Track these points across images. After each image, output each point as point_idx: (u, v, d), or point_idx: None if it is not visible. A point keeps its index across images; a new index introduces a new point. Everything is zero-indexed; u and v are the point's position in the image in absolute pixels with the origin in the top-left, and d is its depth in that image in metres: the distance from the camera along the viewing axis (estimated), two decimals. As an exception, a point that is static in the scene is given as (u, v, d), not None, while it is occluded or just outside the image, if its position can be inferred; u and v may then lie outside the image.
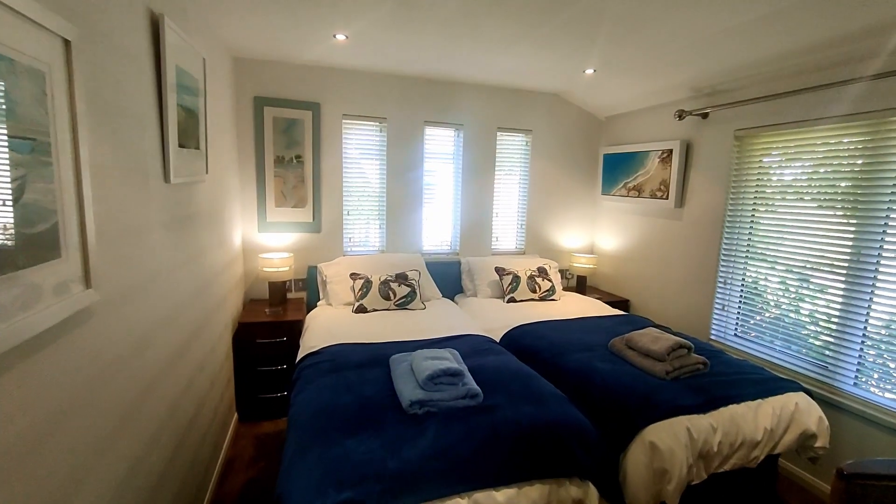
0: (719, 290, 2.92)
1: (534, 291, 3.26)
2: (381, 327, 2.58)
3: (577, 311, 3.06)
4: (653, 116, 3.43)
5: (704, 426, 1.71)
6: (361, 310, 2.86)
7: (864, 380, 2.20)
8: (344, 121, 3.28)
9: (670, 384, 1.90)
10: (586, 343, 2.34)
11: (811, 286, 2.40)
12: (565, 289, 3.86)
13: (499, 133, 3.72)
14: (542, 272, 3.36)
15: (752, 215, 2.71)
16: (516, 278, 3.26)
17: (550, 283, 3.32)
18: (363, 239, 3.52)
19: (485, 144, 3.67)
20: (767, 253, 2.63)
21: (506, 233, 3.92)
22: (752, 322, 2.75)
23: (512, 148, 3.80)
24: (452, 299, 3.56)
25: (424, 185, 3.56)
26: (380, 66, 3.12)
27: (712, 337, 2.97)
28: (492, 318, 2.89)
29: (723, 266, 2.89)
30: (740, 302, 2.82)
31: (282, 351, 2.76)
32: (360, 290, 2.92)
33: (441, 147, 3.60)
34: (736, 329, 2.86)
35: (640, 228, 3.60)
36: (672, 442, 1.63)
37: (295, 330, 2.80)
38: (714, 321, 2.96)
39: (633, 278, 3.67)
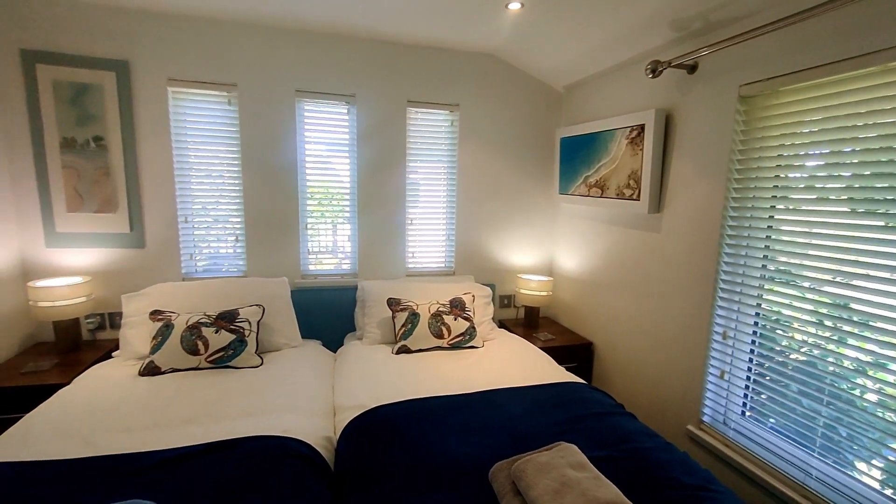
0: (716, 341, 1.84)
1: (439, 336, 2.20)
2: (153, 411, 1.54)
3: (500, 371, 2.00)
4: (619, 79, 2.35)
5: None
6: (151, 371, 1.84)
7: None
8: (171, 88, 2.29)
9: None
10: (458, 466, 1.28)
11: (882, 331, 1.32)
12: (508, 324, 2.80)
13: (411, 109, 2.69)
14: (458, 306, 2.30)
15: (771, 221, 1.64)
16: (413, 316, 2.21)
17: (468, 324, 2.25)
18: (216, 257, 2.52)
19: (391, 124, 2.64)
20: (800, 277, 1.55)
21: (428, 246, 2.88)
22: (771, 395, 1.67)
23: (431, 130, 2.76)
24: (341, 342, 2.54)
25: (306, 180, 2.56)
26: (219, 5, 2.12)
27: (705, 419, 1.89)
28: (356, 387, 1.84)
29: (722, 301, 1.81)
30: (752, 360, 1.74)
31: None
32: (155, 338, 1.91)
33: (328, 127, 2.58)
34: (746, 405, 1.77)
35: (604, 241, 2.52)
36: None
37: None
38: (708, 391, 1.88)
39: (598, 312, 2.60)
